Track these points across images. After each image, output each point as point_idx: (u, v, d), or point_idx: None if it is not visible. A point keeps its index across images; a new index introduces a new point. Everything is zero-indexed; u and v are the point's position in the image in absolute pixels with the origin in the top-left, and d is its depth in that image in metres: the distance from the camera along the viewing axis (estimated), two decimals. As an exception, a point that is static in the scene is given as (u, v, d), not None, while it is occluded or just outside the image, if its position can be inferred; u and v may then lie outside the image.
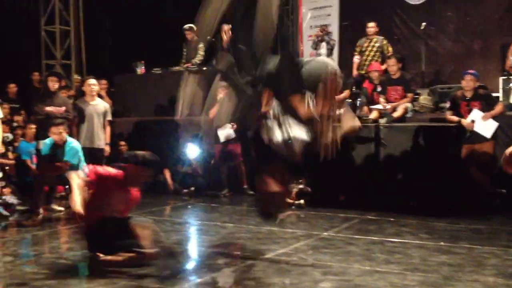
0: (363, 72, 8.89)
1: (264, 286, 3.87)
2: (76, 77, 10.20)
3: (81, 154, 6.55)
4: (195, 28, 9.42)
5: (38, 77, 10.46)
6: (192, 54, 9.63)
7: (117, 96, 10.01)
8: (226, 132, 7.95)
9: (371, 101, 7.94)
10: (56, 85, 7.36)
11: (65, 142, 6.42)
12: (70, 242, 5.45)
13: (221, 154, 8.11)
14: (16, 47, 12.13)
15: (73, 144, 6.51)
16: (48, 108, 7.12)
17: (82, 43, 10.91)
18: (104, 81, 9.14)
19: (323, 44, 9.86)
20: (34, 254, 4.97)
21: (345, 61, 10.80)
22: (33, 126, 8.10)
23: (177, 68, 9.66)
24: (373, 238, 5.32)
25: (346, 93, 8.36)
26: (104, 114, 7.49)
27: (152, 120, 9.39)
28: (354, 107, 8.18)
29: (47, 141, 6.46)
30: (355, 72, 9.15)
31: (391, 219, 6.16)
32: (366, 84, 8.32)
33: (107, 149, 7.51)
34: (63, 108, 7.20)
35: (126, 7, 12.39)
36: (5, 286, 3.87)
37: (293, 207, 7.06)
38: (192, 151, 8.49)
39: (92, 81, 7.56)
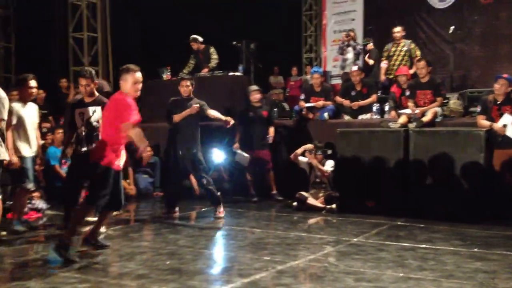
0: (391, 76, 8.82)
1: (296, 292, 3.83)
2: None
3: None
4: (198, 38, 9.59)
5: (66, 83, 10.62)
6: (204, 61, 9.70)
7: (144, 101, 10.07)
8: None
9: (399, 105, 7.84)
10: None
11: None
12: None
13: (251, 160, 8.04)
14: (44, 54, 12.33)
15: None
16: None
17: (109, 50, 11.04)
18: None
19: (349, 49, 9.82)
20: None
21: (369, 65, 10.74)
22: (61, 131, 8.19)
23: (202, 73, 9.71)
24: (404, 244, 5.24)
25: (373, 98, 8.31)
26: None
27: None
28: (382, 112, 8.11)
29: None
30: (382, 77, 9.08)
31: (422, 225, 6.07)
32: (394, 89, 8.23)
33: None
34: None
35: (153, 14, 12.52)
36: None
37: (324, 211, 7.03)
38: (218, 156, 8.50)
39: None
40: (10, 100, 5.57)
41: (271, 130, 8.13)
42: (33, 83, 6.12)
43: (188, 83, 6.97)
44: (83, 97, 5.99)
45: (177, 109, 6.91)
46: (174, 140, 7.03)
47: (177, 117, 6.84)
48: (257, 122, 8.07)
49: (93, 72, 6.04)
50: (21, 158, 5.99)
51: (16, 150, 6.00)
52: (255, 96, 8.17)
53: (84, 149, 5.86)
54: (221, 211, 6.85)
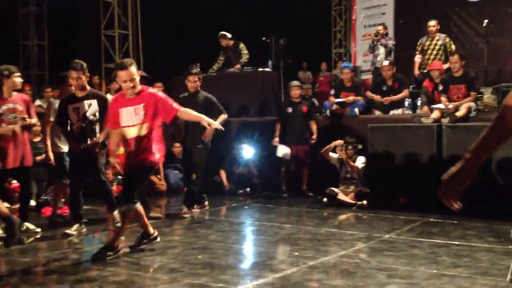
0: (425, 71, 8.68)
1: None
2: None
3: None
4: (227, 35, 9.56)
5: (98, 80, 10.78)
6: (233, 57, 9.70)
7: (173, 98, 10.15)
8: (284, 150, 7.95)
9: (432, 100, 7.72)
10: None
11: None
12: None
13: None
14: (77, 52, 12.52)
15: None
16: None
17: (140, 47, 11.18)
18: (159, 84, 9.27)
19: (380, 46, 9.69)
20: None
21: (401, 60, 10.62)
22: None
23: (231, 70, 9.73)
24: (437, 241, 5.17)
25: (404, 92, 8.20)
26: None
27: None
28: (414, 107, 7.99)
29: None
30: (416, 72, 8.94)
31: (455, 222, 5.97)
32: (426, 83, 8.10)
33: None
34: None
35: (182, 11, 12.61)
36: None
37: (355, 207, 6.98)
38: (248, 152, 8.52)
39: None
40: (46, 97, 5.66)
41: (314, 129, 8.03)
42: None
43: (196, 78, 6.87)
44: (74, 92, 5.69)
45: (185, 106, 6.86)
46: (186, 137, 7.04)
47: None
48: (297, 118, 8.04)
49: (84, 64, 5.60)
50: (61, 153, 6.09)
51: (56, 146, 6.11)
52: (296, 91, 8.14)
53: (84, 144, 5.59)
54: (187, 212, 6.66)
